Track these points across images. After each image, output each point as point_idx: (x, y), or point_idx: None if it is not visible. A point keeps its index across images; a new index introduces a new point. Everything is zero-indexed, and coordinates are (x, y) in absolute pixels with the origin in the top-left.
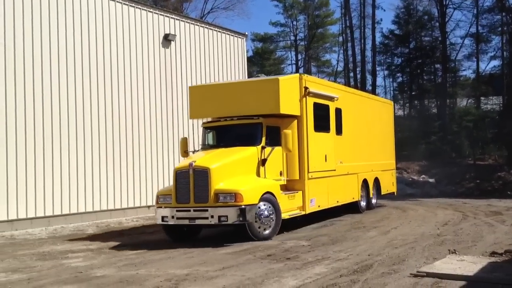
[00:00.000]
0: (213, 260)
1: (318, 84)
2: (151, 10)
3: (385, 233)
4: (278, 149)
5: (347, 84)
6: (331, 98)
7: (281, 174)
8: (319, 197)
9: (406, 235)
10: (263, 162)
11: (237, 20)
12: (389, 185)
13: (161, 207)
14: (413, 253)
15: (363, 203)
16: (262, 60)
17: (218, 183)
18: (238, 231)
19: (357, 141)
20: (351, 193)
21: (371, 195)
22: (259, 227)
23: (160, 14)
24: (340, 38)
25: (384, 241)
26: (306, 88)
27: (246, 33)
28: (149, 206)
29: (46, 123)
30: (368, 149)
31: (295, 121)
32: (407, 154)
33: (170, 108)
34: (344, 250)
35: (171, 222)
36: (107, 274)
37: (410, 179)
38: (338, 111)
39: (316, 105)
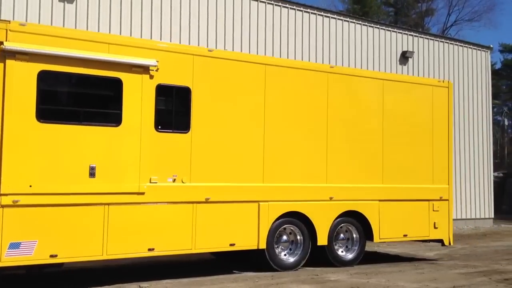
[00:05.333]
0: (444, 278)
1: (61, 39)
2: (390, 28)
3: None
4: None
5: None
6: (127, 67)
7: None
8: (56, 239)
9: None
10: None
11: (483, 30)
12: (412, 226)
13: None
14: None
15: (283, 255)
16: None
17: None
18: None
19: (260, 145)
20: (221, 235)
21: (321, 242)
22: None
23: (399, 32)
24: None
25: None
26: None
27: (491, 46)
28: None
29: None
30: (310, 162)
31: None
32: None
33: None
34: None
35: None
36: (340, 279)
37: None
38: (177, 92)
39: (47, 74)
